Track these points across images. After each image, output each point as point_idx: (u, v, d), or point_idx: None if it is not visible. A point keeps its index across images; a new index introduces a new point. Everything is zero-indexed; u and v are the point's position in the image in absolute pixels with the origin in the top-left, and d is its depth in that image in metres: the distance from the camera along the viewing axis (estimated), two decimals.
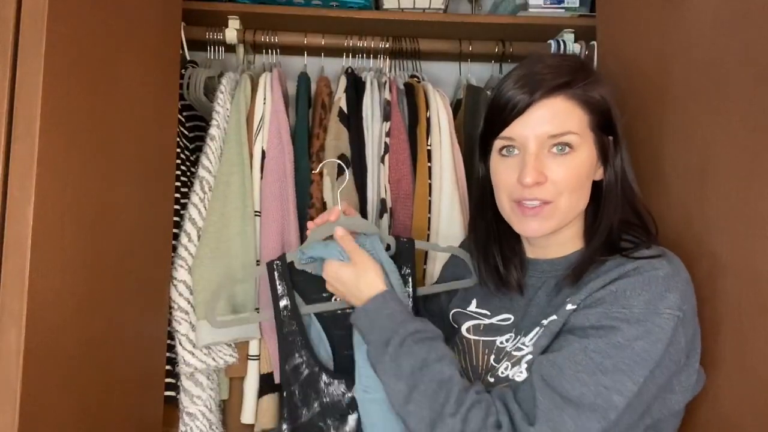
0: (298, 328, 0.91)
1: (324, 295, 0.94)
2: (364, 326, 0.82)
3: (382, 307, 0.81)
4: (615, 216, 0.77)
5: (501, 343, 0.82)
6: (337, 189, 1.04)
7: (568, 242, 0.81)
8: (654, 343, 0.66)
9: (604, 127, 0.76)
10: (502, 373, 0.76)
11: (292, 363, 0.90)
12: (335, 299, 0.95)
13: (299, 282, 0.94)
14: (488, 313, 0.87)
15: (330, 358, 0.92)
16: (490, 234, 0.87)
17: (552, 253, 0.83)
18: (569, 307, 0.73)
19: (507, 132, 0.76)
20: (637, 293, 0.68)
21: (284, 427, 0.90)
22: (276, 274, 0.92)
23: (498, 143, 0.78)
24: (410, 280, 0.95)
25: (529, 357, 0.73)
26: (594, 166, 0.77)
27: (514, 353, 0.77)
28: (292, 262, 0.93)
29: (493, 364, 0.80)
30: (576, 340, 0.68)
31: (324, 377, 0.89)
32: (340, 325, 0.94)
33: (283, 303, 0.91)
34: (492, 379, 0.78)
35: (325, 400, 0.88)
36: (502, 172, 0.78)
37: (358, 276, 0.84)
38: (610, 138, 0.77)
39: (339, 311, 0.95)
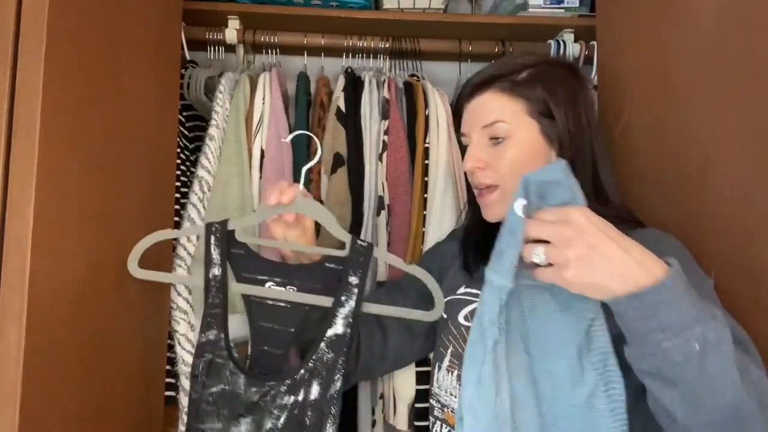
0: (222, 303, 0.82)
1: (259, 277, 0.85)
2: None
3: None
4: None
5: None
6: (305, 166, 0.91)
7: None
8: None
9: (545, 112, 0.82)
10: None
11: (209, 336, 0.81)
12: (270, 285, 0.85)
13: (235, 256, 0.85)
14: (479, 293, 0.87)
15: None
16: (475, 222, 0.93)
17: None
18: None
19: (461, 129, 0.89)
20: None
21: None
22: (213, 238, 0.83)
23: (461, 140, 0.90)
24: (355, 291, 0.82)
25: None
26: (539, 151, 0.82)
27: None
28: (233, 231, 0.84)
29: None
30: None
31: (231, 366, 0.81)
32: (268, 318, 0.84)
33: (214, 271, 0.82)
34: None
35: (225, 388, 0.80)
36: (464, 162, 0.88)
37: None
38: (553, 121, 0.82)
39: (271, 301, 0.85)
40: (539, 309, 0.68)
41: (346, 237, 0.85)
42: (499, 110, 0.82)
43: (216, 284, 0.82)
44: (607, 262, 0.56)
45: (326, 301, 0.82)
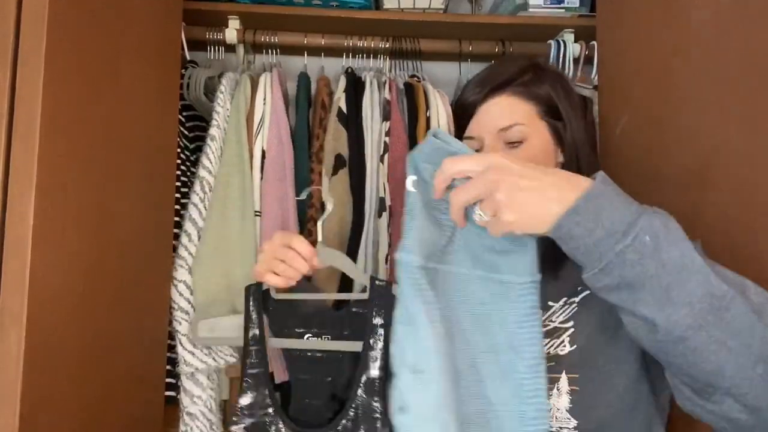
0: (262, 363, 0.83)
1: (297, 330, 0.86)
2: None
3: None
4: None
5: None
6: (319, 220, 0.94)
7: None
8: None
9: (554, 114, 0.83)
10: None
11: (247, 400, 0.82)
12: (308, 337, 0.86)
13: (272, 310, 0.87)
14: None
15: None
16: None
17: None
18: None
19: (468, 132, 0.86)
20: None
21: None
22: (251, 299, 0.85)
23: (466, 143, 0.86)
24: (381, 332, 0.80)
25: (572, 331, 0.74)
26: (551, 152, 0.83)
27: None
28: (268, 290, 0.87)
29: None
30: None
31: (279, 423, 0.81)
32: (305, 369, 0.85)
33: (254, 332, 0.84)
34: None
35: None
36: None
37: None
38: (561, 123, 0.84)
39: (309, 353, 0.85)
40: (465, 300, 0.67)
41: (366, 279, 0.85)
42: (515, 113, 0.82)
43: (255, 345, 0.84)
44: (537, 191, 0.58)
45: (356, 346, 0.82)
